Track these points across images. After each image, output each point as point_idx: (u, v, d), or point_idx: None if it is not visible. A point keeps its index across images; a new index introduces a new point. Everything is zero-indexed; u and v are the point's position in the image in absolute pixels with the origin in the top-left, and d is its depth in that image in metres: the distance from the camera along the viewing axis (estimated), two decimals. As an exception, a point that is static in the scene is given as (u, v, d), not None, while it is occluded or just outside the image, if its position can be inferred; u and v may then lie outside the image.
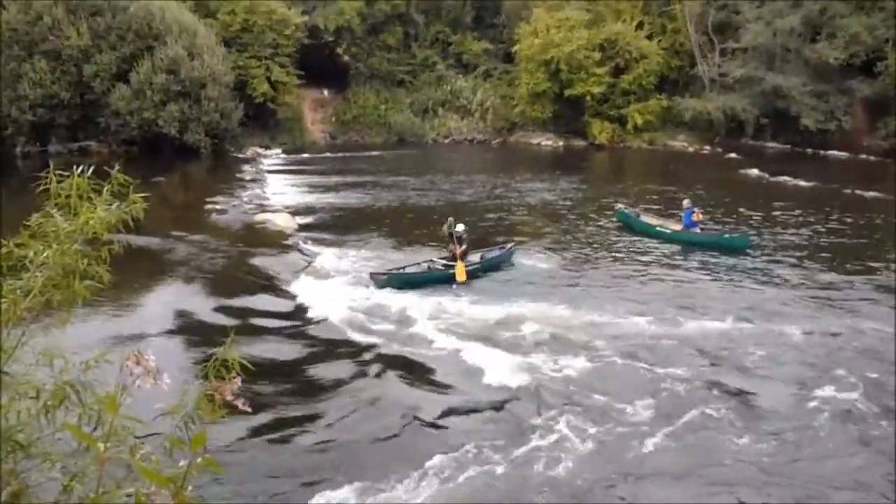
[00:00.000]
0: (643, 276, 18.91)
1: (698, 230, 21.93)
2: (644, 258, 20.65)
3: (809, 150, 42.47)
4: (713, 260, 20.23)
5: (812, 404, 11.72)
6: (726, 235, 22.13)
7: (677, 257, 20.77)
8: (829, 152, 42.02)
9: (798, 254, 20.89)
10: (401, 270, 17.73)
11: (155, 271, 18.17)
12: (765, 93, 43.05)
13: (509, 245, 19.97)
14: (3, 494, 2.16)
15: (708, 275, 19.08)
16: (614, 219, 24.75)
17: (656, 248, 21.62)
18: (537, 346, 13.84)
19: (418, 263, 18.27)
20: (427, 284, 17.44)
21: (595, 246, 21.94)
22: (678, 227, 22.34)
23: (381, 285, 16.98)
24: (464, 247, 18.54)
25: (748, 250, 20.88)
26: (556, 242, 22.32)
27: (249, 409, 2.24)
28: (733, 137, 44.56)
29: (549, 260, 20.20)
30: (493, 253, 19.47)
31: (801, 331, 14.74)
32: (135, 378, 1.97)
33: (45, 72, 36.05)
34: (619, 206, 25.26)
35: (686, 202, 22.60)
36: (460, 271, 17.53)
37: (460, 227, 18.70)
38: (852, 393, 11.95)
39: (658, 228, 22.68)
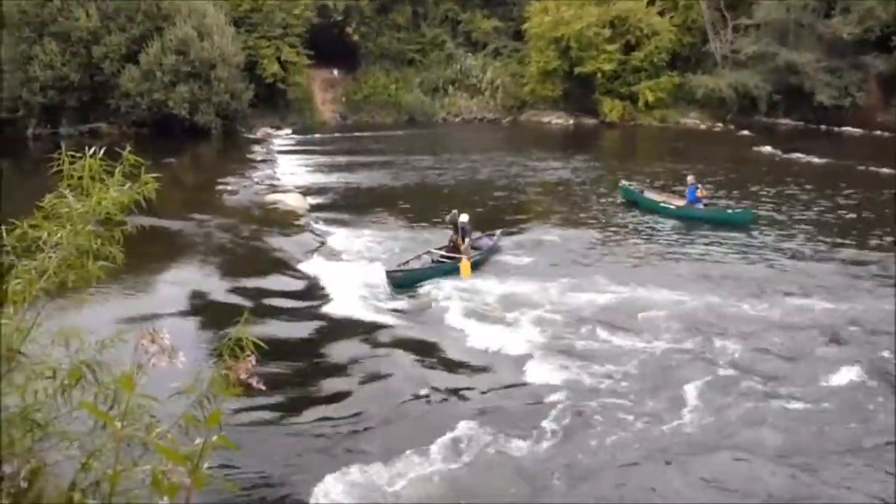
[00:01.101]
0: (649, 252, 19.02)
1: (702, 206, 22.12)
2: (650, 234, 20.79)
3: (823, 127, 42.11)
4: (718, 235, 20.29)
5: (821, 382, 11.70)
6: (729, 211, 22.35)
7: (683, 232, 20.89)
8: (844, 129, 41.66)
9: (809, 230, 20.87)
10: (406, 266, 16.83)
11: (168, 252, 18.26)
12: (778, 69, 42.63)
13: (497, 232, 19.22)
14: (21, 472, 2.19)
15: (714, 251, 19.14)
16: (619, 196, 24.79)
17: (662, 223, 21.75)
18: (546, 324, 13.85)
19: (418, 256, 17.46)
20: (436, 278, 16.46)
21: (602, 223, 21.99)
22: (682, 202, 22.49)
23: (396, 283, 15.97)
24: (468, 240, 17.69)
25: (750, 225, 21.00)
26: (563, 220, 22.37)
27: (263, 388, 2.25)
28: (746, 114, 44.19)
29: (556, 238, 20.22)
30: (483, 241, 18.73)
31: (808, 307, 14.73)
32: (150, 356, 1.99)
33: (55, 54, 36.10)
34: (623, 182, 25.27)
35: (690, 178, 22.72)
36: (465, 268, 16.73)
37: (464, 218, 17.81)
38: (859, 370, 11.92)
39: (662, 204, 22.85)
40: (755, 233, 20.56)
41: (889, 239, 19.73)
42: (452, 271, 16.72)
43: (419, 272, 16.58)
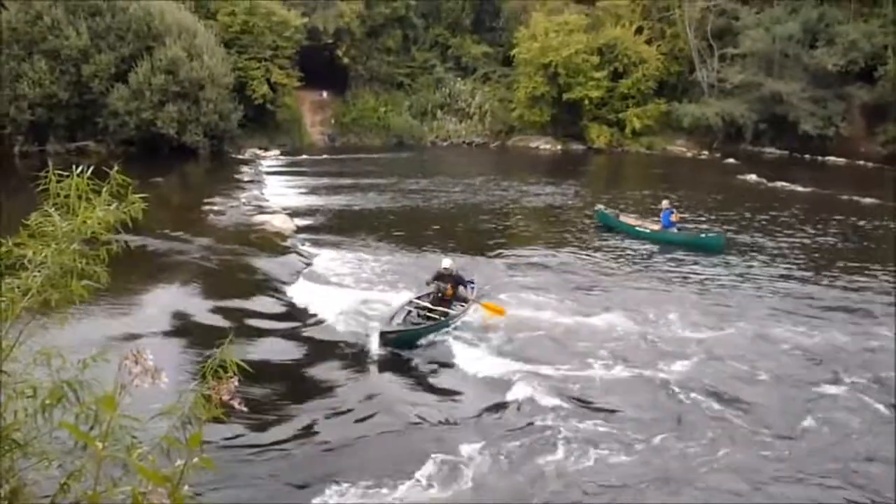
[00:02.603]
0: (626, 277, 19.26)
1: (675, 230, 22.63)
2: (626, 257, 21.13)
3: (808, 156, 42.60)
4: (691, 259, 20.74)
5: (801, 406, 11.79)
6: (702, 235, 22.81)
7: (657, 257, 21.29)
8: (828, 158, 42.14)
9: (785, 257, 21.26)
10: (395, 322, 14.33)
11: (153, 272, 18.16)
12: (763, 98, 43.16)
13: (469, 279, 16.42)
14: (2, 491, 2.17)
15: (691, 275, 19.42)
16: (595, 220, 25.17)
17: (637, 247, 22.23)
18: (528, 348, 13.89)
19: (406, 310, 14.94)
20: (431, 335, 14.28)
21: (580, 248, 22.18)
22: (657, 227, 22.96)
23: (391, 344, 13.57)
24: (461, 288, 15.53)
25: (723, 250, 21.49)
26: (542, 244, 22.65)
27: (245, 409, 2.25)
28: (732, 142, 44.68)
29: (536, 260, 20.48)
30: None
31: (787, 334, 14.92)
32: (133, 377, 1.98)
33: (44, 71, 36.04)
34: (599, 207, 25.61)
35: (665, 203, 23.25)
36: (497, 310, 14.89)
37: (447, 263, 15.72)
38: (841, 392, 12.08)
39: (637, 228, 23.30)
40: (728, 257, 20.97)
41: (866, 268, 19.95)
42: (446, 327, 14.58)
43: (415, 331, 14.10)
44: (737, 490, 9.48)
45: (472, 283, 16.43)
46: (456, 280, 15.33)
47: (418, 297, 15.28)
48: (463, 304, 15.26)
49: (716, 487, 9.51)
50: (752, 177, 35.33)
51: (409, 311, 14.84)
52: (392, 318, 14.41)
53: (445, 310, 14.83)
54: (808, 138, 42.28)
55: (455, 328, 14.59)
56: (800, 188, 32.32)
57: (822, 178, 35.48)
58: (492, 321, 14.94)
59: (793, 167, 39.18)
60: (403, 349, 13.54)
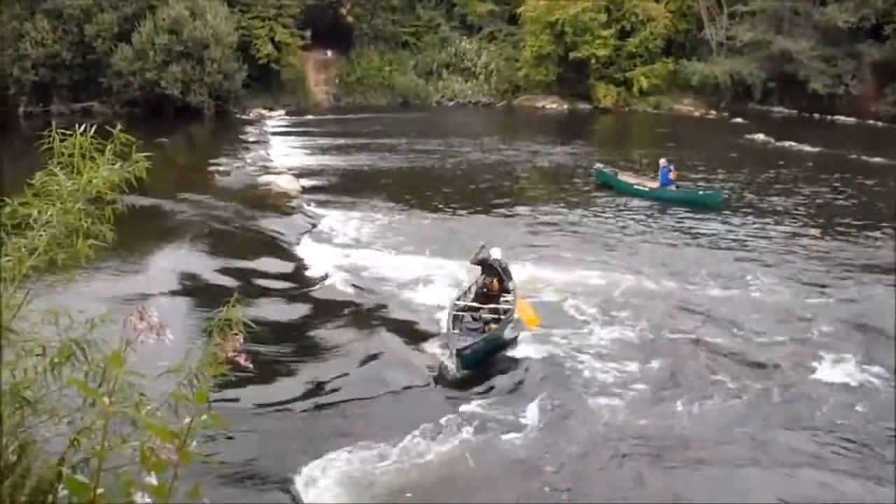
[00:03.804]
0: (625, 235, 19.43)
1: (674, 188, 22.77)
2: (625, 217, 21.24)
3: (816, 115, 42.15)
4: (689, 216, 20.97)
5: (801, 365, 11.89)
6: (700, 192, 22.98)
7: (655, 214, 21.42)
8: (837, 117, 41.70)
9: (787, 215, 21.29)
10: (458, 332, 12.21)
11: (159, 232, 18.21)
12: (773, 57, 42.57)
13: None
14: (11, 447, 2.21)
15: (689, 232, 19.64)
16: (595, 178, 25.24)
17: (635, 205, 22.37)
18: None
19: (457, 317, 12.74)
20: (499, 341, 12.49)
21: (583, 207, 22.28)
22: (655, 184, 23.07)
23: (468, 363, 11.44)
24: (506, 281, 13.68)
25: (721, 207, 21.67)
26: (547, 204, 22.66)
27: (250, 365, 2.27)
28: (740, 102, 44.18)
29: (535, 219, 20.64)
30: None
31: (784, 291, 15.11)
32: (138, 333, 2.00)
33: (46, 31, 35.82)
34: (598, 165, 25.68)
35: (663, 161, 23.30)
36: (531, 320, 13.21)
37: (496, 252, 13.97)
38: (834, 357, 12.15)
39: (636, 186, 23.42)
40: (729, 215, 21.11)
41: (870, 227, 19.94)
42: (511, 326, 12.86)
43: (487, 343, 11.96)
44: (742, 456, 9.58)
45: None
46: (501, 273, 13.63)
47: (459, 298, 13.44)
48: (506, 296, 13.51)
49: (722, 448, 9.62)
50: (760, 136, 35.04)
51: (461, 317, 12.87)
52: (449, 329, 12.22)
53: (496, 306, 13.12)
54: (817, 97, 41.78)
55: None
56: (808, 147, 32.05)
57: (830, 137, 35.16)
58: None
59: (801, 126, 38.82)
60: (481, 364, 11.67)
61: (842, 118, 41.55)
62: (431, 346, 12.49)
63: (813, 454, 9.57)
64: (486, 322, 12.70)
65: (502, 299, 13.43)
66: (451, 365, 11.37)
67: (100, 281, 12.97)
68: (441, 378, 11.32)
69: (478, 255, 13.69)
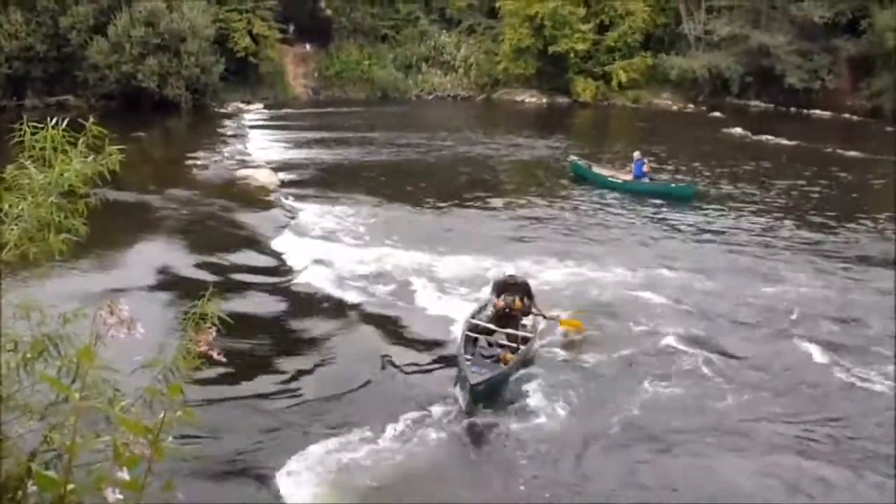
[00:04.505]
0: (598, 227, 19.66)
1: (647, 180, 23.06)
2: (598, 209, 21.47)
3: (793, 109, 42.54)
4: (661, 209, 21.28)
5: (778, 359, 12.05)
6: (672, 185, 23.42)
7: (628, 207, 21.69)
8: (813, 111, 42.11)
9: (759, 208, 21.61)
10: (472, 363, 10.69)
11: (135, 227, 18.07)
12: (750, 51, 42.88)
13: None
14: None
15: (661, 225, 19.92)
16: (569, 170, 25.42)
17: (609, 197, 22.59)
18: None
19: (466, 337, 11.36)
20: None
21: (558, 200, 22.51)
22: (629, 177, 23.30)
23: (482, 397, 10.12)
24: (528, 302, 12.06)
25: (693, 200, 22.05)
26: (525, 197, 22.79)
27: (224, 359, 2.26)
28: (718, 96, 44.48)
29: (513, 212, 20.75)
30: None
31: (753, 282, 15.30)
32: (109, 328, 1.98)
33: (20, 24, 35.31)
34: (572, 157, 25.85)
35: (637, 154, 23.59)
36: (574, 324, 12.51)
37: (512, 270, 12.66)
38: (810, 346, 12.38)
39: (610, 179, 23.63)
40: (702, 208, 21.48)
41: (845, 220, 20.25)
42: (530, 356, 11.62)
43: (504, 376, 10.69)
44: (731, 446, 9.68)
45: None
46: (524, 291, 12.10)
47: (474, 316, 12.09)
48: (529, 318, 12.22)
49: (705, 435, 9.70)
50: (738, 130, 35.30)
51: (474, 339, 11.46)
52: (462, 354, 10.81)
53: (514, 332, 11.71)
54: (793, 91, 42.17)
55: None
56: (784, 141, 32.35)
57: (806, 131, 35.53)
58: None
59: (778, 120, 39.16)
60: (495, 397, 10.37)
61: (818, 112, 41.96)
62: (410, 340, 12.51)
63: (798, 442, 9.67)
64: (504, 347, 11.31)
65: (522, 323, 12.07)
66: (461, 397, 10.13)
67: (74, 276, 12.85)
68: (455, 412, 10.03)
69: (502, 283, 12.08)
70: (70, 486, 1.90)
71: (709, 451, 9.48)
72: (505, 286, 12.02)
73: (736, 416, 10.25)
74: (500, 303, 11.80)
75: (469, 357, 10.81)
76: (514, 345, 11.42)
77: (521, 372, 11.05)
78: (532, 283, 12.54)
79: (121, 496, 1.88)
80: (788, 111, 42.47)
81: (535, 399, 10.46)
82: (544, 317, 12.29)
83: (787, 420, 10.21)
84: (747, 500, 8.57)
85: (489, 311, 12.09)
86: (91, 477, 1.95)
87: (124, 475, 1.91)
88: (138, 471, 1.97)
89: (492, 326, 11.68)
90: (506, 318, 11.82)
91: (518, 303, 11.86)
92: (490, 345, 11.37)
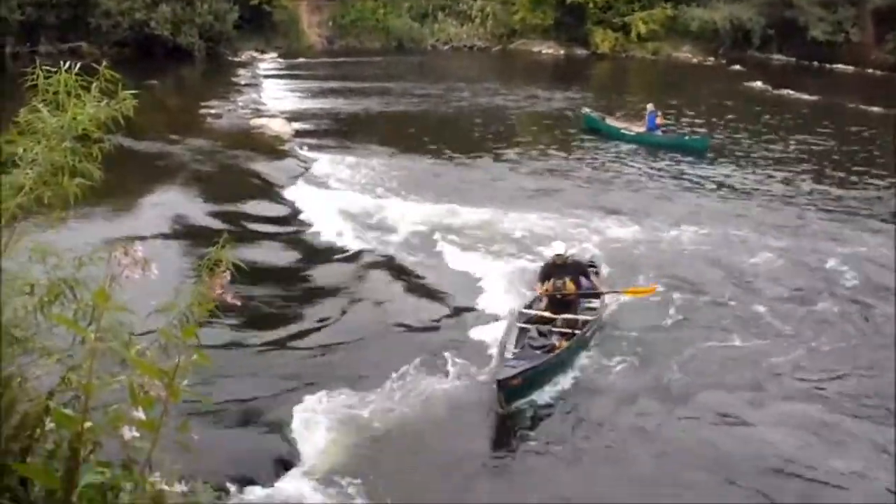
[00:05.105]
0: (611, 180, 19.75)
1: (660, 133, 22.86)
2: (612, 161, 21.47)
3: (815, 64, 41.79)
4: (676, 162, 21.20)
5: (800, 310, 12.13)
6: (686, 137, 23.13)
7: (641, 159, 21.63)
8: (836, 66, 41.34)
9: (773, 163, 21.52)
10: (517, 361, 9.43)
11: (149, 175, 18.11)
12: (772, 2, 42.03)
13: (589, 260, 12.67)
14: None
15: (675, 177, 19.89)
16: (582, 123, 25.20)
17: (622, 150, 22.51)
18: (524, 252, 14.09)
19: (519, 328, 10.48)
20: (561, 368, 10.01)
21: (571, 151, 22.51)
22: (641, 129, 23.06)
23: (513, 395, 9.04)
24: (583, 280, 11.07)
25: (706, 152, 21.87)
26: (540, 149, 22.69)
27: (238, 303, 2.27)
28: (738, 49, 43.71)
29: (533, 170, 20.52)
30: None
31: (766, 238, 15.25)
32: (123, 268, 1.99)
33: (33, -31, 35.04)
34: (585, 109, 25.62)
35: (650, 106, 23.32)
36: (646, 290, 11.71)
37: (559, 248, 11.13)
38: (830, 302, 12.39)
39: (622, 131, 23.45)
40: (717, 160, 21.39)
41: (862, 176, 20.08)
42: (584, 346, 10.44)
43: (548, 366, 9.63)
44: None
45: (594, 266, 12.40)
46: (576, 270, 11.04)
47: (528, 306, 11.06)
48: (593, 301, 11.39)
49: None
50: (758, 84, 34.77)
51: (525, 330, 10.43)
52: (504, 345, 9.91)
53: (573, 316, 10.66)
54: (816, 45, 41.36)
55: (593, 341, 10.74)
56: (805, 96, 31.87)
57: (828, 85, 34.97)
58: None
59: (799, 74, 38.54)
60: (535, 390, 9.37)
61: (841, 66, 41.21)
62: (425, 291, 12.58)
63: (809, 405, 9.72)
64: (563, 336, 10.20)
65: (587, 307, 11.15)
66: (492, 399, 9.02)
67: (89, 223, 12.89)
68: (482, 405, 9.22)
69: (550, 264, 11.00)
70: (87, 424, 1.93)
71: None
72: (552, 269, 10.85)
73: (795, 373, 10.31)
74: (549, 287, 10.70)
75: (516, 350, 9.87)
76: (572, 331, 10.28)
77: (579, 356, 10.17)
78: (549, 236, 12.49)
79: (137, 434, 1.91)
80: (811, 65, 41.73)
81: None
82: (604, 293, 11.32)
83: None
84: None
85: (544, 301, 10.90)
86: (108, 416, 1.98)
87: (140, 415, 1.93)
88: (154, 411, 1.99)
89: (547, 314, 10.62)
90: (562, 303, 10.75)
91: (570, 285, 10.71)
92: (542, 334, 10.26)
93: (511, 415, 8.95)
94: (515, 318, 10.58)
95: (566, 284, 10.67)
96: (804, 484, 8.07)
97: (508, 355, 9.59)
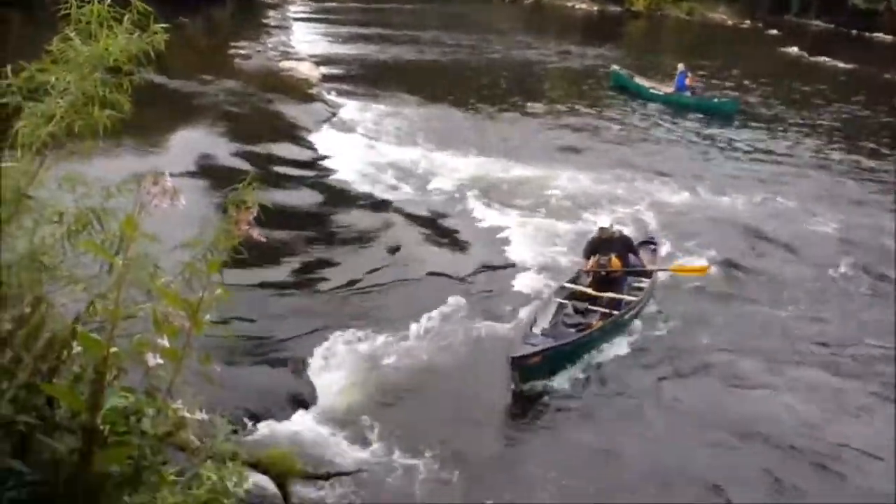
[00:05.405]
0: (639, 140, 19.68)
1: (689, 94, 22.49)
2: (640, 121, 21.42)
3: (854, 32, 40.83)
4: (705, 124, 21.12)
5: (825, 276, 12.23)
6: (715, 100, 22.72)
7: (670, 119, 21.49)
8: (875, 34, 40.41)
9: (803, 130, 21.31)
10: (538, 337, 9.03)
11: (178, 113, 18.08)
12: (815, -34, 41.01)
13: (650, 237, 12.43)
14: (25, 299, 2.26)
15: (702, 140, 19.81)
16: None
17: (650, 110, 22.45)
18: (546, 208, 14.21)
19: (558, 303, 9.96)
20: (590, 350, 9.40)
21: (600, 110, 22.32)
22: (670, 89, 22.82)
23: (530, 374, 8.57)
24: (631, 257, 10.51)
25: (735, 116, 21.67)
26: (568, 106, 22.58)
27: (264, 240, 2.30)
28: (776, 13, 42.83)
29: (561, 125, 20.46)
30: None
31: (789, 204, 15.30)
32: (152, 197, 2.02)
33: None
34: (614, 67, 25.36)
35: (680, 66, 23.04)
36: (697, 270, 11.02)
37: (605, 223, 10.54)
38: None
39: (651, 90, 23.22)
40: (746, 124, 21.21)
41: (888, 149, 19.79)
42: (622, 327, 9.81)
43: (576, 346, 9.13)
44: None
45: (654, 242, 11.99)
46: (623, 246, 10.39)
47: (572, 281, 10.42)
48: (642, 279, 10.74)
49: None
50: (794, 49, 34.08)
51: (563, 306, 9.89)
52: (535, 319, 9.47)
53: (616, 296, 9.99)
54: (856, 12, 40.42)
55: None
56: (841, 64, 31.22)
57: (867, 55, 34.19)
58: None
59: (837, 42, 37.69)
60: (556, 371, 8.84)
61: (880, 35, 40.29)
62: (449, 242, 12.64)
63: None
64: (604, 315, 9.61)
65: (635, 285, 10.54)
66: (507, 379, 8.57)
67: (117, 158, 12.88)
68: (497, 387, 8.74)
69: (595, 238, 10.33)
70: (113, 349, 1.98)
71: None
72: (598, 243, 10.19)
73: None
74: (593, 263, 10.07)
75: (547, 326, 9.36)
76: (611, 312, 9.67)
77: (613, 339, 9.54)
78: (582, 196, 12.43)
79: (160, 361, 1.96)
80: (850, 33, 40.79)
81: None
82: (651, 272, 10.66)
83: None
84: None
85: (590, 277, 10.26)
86: (133, 343, 2.03)
87: (164, 342, 1.97)
88: (177, 342, 2.03)
89: (588, 290, 9.97)
90: (606, 280, 10.08)
91: (616, 261, 10.04)
92: (578, 312, 9.72)
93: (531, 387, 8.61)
94: (554, 293, 10.10)
95: (611, 261, 10.04)
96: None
97: (536, 330, 9.15)
